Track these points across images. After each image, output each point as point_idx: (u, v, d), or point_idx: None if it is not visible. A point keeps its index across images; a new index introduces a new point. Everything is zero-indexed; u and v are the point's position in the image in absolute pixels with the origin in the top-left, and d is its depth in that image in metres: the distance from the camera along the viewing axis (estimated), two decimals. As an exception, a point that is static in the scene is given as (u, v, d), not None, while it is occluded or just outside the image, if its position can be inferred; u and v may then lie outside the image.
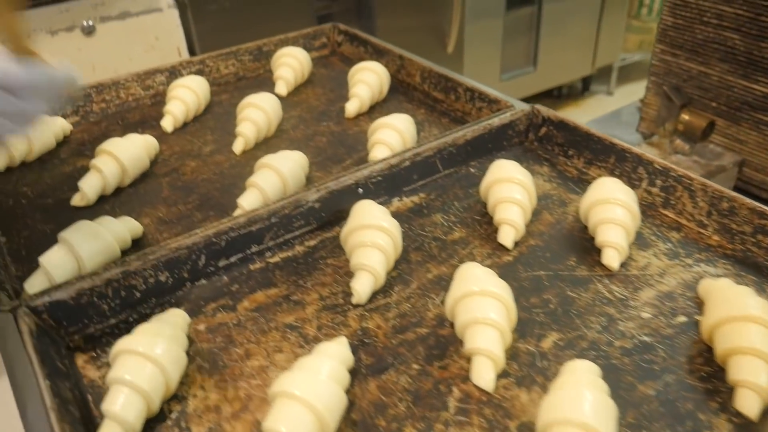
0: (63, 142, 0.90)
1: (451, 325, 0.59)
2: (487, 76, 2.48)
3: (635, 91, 3.09)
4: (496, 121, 0.80)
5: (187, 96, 0.93)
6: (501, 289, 0.56)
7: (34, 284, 0.62)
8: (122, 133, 0.92)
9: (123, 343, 0.52)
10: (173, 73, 1.01)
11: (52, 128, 0.88)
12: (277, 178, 0.73)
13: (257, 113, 0.86)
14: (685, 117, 1.01)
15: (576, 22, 2.62)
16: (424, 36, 2.12)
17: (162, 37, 1.57)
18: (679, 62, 1.11)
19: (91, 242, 0.64)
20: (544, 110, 0.82)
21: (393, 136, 0.80)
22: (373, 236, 0.63)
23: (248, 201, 0.71)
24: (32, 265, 0.68)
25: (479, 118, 0.89)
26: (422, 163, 0.76)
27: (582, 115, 2.85)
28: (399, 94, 1.00)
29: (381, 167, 0.73)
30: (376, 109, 0.96)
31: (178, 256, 0.63)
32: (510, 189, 0.69)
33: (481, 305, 0.55)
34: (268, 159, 0.74)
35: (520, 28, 2.50)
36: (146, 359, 0.51)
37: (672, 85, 1.04)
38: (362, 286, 0.61)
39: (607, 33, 2.75)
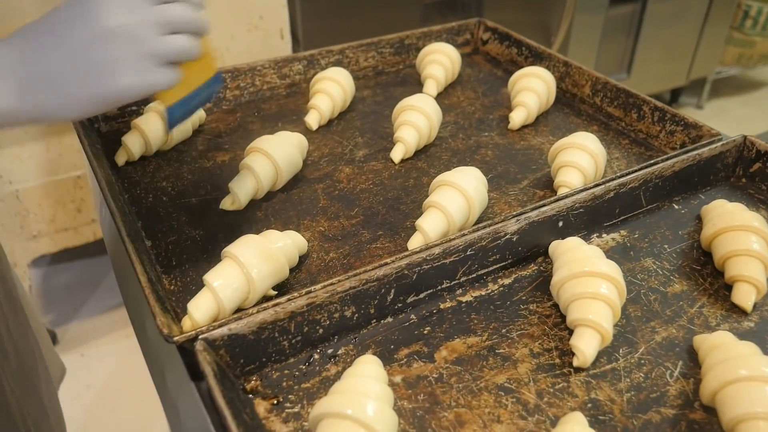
0: (198, 132, 0.82)
1: (703, 407, 0.48)
2: (579, 80, 2.34)
3: (727, 107, 2.92)
4: (706, 151, 0.69)
5: (334, 90, 0.83)
6: (778, 373, 0.46)
7: (200, 307, 0.53)
8: (260, 126, 0.84)
9: (327, 405, 0.43)
10: (311, 62, 0.92)
11: (188, 115, 0.79)
12: (462, 200, 0.63)
13: (419, 118, 0.76)
14: None
15: (678, 27, 2.46)
16: (529, 33, 1.99)
17: (266, 16, 1.48)
18: None
19: (262, 263, 0.55)
20: (759, 143, 0.71)
21: (585, 158, 0.69)
22: (596, 286, 0.53)
23: (431, 225, 0.61)
24: (186, 279, 0.60)
25: (669, 143, 0.77)
26: (626, 195, 0.65)
27: (669, 128, 2.69)
28: (563, 105, 0.89)
29: (584, 197, 0.63)
30: (541, 121, 0.85)
31: (367, 288, 0.53)
32: (747, 240, 0.58)
33: (762, 395, 0.45)
34: (449, 177, 0.64)
35: (619, 29, 2.36)
36: (360, 426, 0.42)
37: None
38: (588, 347, 0.51)
39: (708, 43, 2.59)
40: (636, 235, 0.65)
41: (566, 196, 0.62)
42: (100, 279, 1.86)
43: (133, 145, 0.74)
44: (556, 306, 0.57)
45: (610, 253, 0.63)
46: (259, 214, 0.68)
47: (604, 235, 0.65)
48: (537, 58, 0.94)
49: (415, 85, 0.94)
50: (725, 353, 0.48)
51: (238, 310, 0.55)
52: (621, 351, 0.53)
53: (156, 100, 0.58)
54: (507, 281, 0.60)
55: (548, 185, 0.72)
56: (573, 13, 1.97)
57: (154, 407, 1.39)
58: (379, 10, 1.66)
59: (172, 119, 0.58)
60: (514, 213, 0.60)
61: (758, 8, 2.62)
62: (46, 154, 1.44)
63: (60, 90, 0.46)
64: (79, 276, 1.90)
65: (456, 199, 0.63)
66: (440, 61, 0.91)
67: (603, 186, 0.64)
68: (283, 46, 1.54)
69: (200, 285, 0.57)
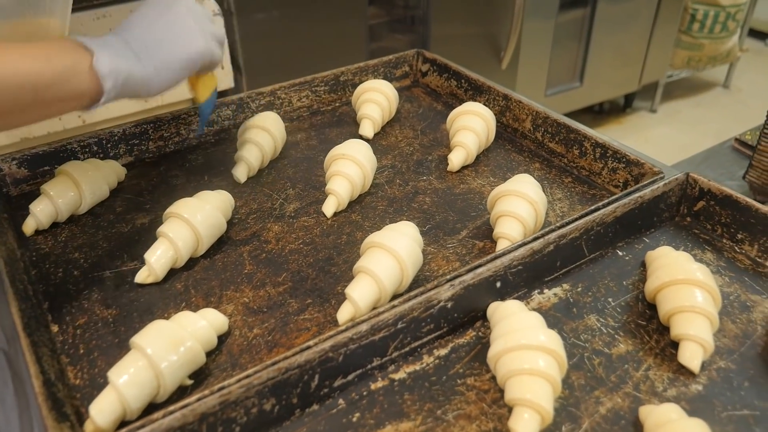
0: (117, 190, 0.76)
1: (651, 493, 0.45)
2: (532, 91, 2.34)
3: (679, 109, 2.95)
4: (648, 193, 0.66)
5: (262, 139, 0.78)
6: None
7: (103, 410, 0.48)
8: (185, 180, 0.79)
9: None
10: (240, 106, 0.87)
11: (104, 173, 0.74)
12: (393, 263, 0.59)
13: (352, 168, 0.72)
14: (832, 178, 0.87)
15: (628, 32, 2.47)
16: (478, 48, 1.97)
17: (204, 46, 1.42)
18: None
19: (172, 353, 0.50)
20: (702, 180, 0.68)
21: (524, 207, 0.66)
22: (534, 361, 0.50)
23: (361, 293, 0.57)
24: (94, 371, 0.54)
25: (612, 181, 0.75)
26: (567, 247, 0.62)
27: (625, 133, 2.71)
28: (504, 141, 0.86)
29: (523, 254, 0.59)
30: (482, 160, 0.82)
31: (288, 377, 0.49)
32: (690, 294, 0.56)
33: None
34: (380, 238, 0.60)
35: (570, 35, 2.35)
36: None
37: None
38: (527, 430, 0.47)
39: (658, 47, 2.61)
40: (579, 289, 0.62)
41: (503, 254, 0.59)
42: None
43: (41, 212, 0.69)
44: (495, 378, 0.53)
45: (552, 311, 0.60)
46: (178, 287, 0.63)
47: (545, 291, 0.62)
48: (477, 91, 0.91)
49: (352, 125, 0.90)
50: (671, 432, 0.45)
51: (149, 405, 0.50)
52: (563, 428, 0.49)
53: (192, 96, 0.75)
54: (443, 351, 0.56)
55: (488, 234, 0.69)
56: (522, 22, 1.96)
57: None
58: (324, 31, 1.61)
59: (203, 115, 0.76)
60: (448, 277, 0.56)
61: (704, 11, 2.65)
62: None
63: (156, 56, 0.61)
64: None
65: (386, 262, 0.58)
66: (376, 100, 0.87)
67: (542, 240, 0.60)
68: (223, 76, 1.48)
69: (109, 377, 0.52)
